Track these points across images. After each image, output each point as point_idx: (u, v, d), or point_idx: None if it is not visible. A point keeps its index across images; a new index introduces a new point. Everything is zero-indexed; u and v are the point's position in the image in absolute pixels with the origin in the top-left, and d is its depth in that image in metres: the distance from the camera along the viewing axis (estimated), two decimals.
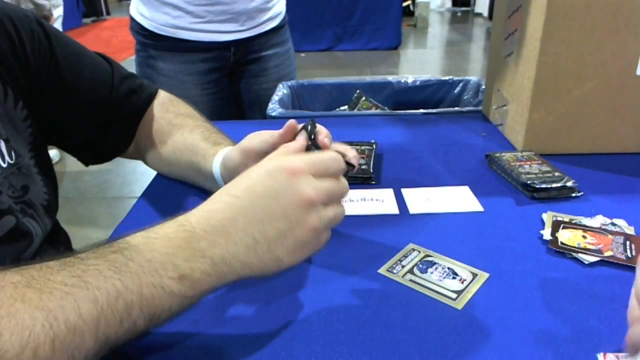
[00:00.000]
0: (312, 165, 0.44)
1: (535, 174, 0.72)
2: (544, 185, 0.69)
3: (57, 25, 3.20)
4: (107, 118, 0.70)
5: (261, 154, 0.55)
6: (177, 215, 0.43)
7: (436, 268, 0.55)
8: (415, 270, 0.55)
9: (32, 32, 0.61)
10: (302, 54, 5.24)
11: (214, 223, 0.42)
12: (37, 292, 0.35)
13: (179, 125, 0.73)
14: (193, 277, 0.40)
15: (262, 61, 1.31)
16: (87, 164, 0.74)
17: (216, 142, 0.69)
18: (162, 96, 0.77)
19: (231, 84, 1.34)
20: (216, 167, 0.65)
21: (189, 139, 0.71)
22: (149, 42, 1.24)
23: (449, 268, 0.55)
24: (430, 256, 0.57)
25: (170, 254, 0.40)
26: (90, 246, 0.41)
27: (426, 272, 0.55)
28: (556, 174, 0.72)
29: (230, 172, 0.61)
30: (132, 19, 1.27)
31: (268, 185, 0.43)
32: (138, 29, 1.25)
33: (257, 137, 0.60)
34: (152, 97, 0.75)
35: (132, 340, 0.40)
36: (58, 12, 3.19)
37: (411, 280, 0.53)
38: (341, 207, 0.47)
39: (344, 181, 0.47)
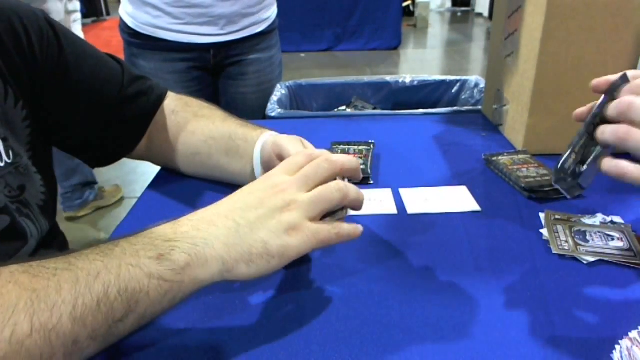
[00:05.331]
0: (283, 167, 0.49)
1: (534, 177, 0.72)
2: (543, 189, 0.69)
3: (77, 27, 3.21)
4: (115, 118, 0.69)
5: (281, 157, 0.59)
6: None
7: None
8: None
9: (40, 30, 0.60)
10: (302, 54, 5.24)
11: (197, 215, 0.45)
12: (29, 276, 0.37)
13: (207, 117, 0.74)
14: (172, 257, 0.40)
15: (242, 65, 1.31)
16: (93, 166, 0.74)
17: (256, 128, 0.70)
18: (175, 94, 0.78)
19: (213, 82, 1.34)
20: (257, 149, 0.66)
21: (223, 127, 0.71)
22: (132, 40, 1.25)
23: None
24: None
25: (153, 237, 0.42)
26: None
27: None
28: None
29: (265, 158, 0.63)
30: (120, 18, 1.28)
31: (247, 187, 0.48)
32: (124, 28, 1.26)
33: (287, 140, 0.60)
34: (161, 98, 0.75)
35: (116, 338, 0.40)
36: (76, 16, 3.20)
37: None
38: (324, 187, 0.47)
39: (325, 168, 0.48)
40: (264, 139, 0.66)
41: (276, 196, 0.45)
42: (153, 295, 0.40)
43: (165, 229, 0.43)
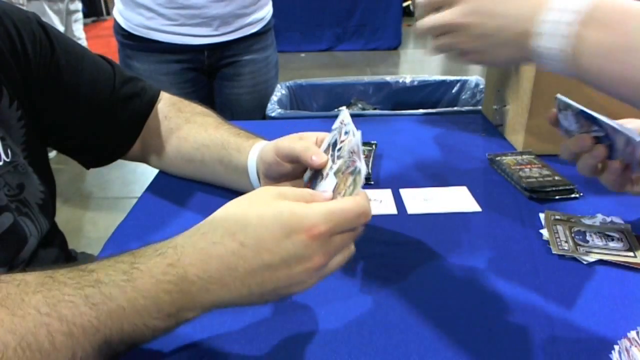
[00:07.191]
0: (335, 224, 0.39)
1: (536, 177, 0.72)
2: (544, 190, 0.69)
3: (78, 27, 3.22)
4: (108, 120, 0.69)
5: (289, 158, 0.56)
6: (165, 243, 0.41)
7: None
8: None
9: (33, 33, 0.61)
10: (302, 54, 5.23)
11: (210, 271, 0.39)
12: (9, 313, 0.36)
13: (199, 123, 0.73)
14: (178, 316, 0.40)
15: (236, 66, 1.30)
16: (87, 167, 0.74)
17: (249, 137, 0.69)
18: (169, 97, 0.77)
19: (208, 83, 1.33)
20: (252, 159, 0.65)
21: (215, 135, 0.70)
22: (126, 41, 1.25)
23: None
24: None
25: (155, 297, 0.38)
26: (68, 265, 0.41)
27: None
28: (556, 177, 0.72)
29: (267, 166, 0.61)
30: (114, 19, 1.28)
31: (283, 246, 0.38)
32: (118, 29, 1.26)
33: (288, 141, 0.58)
34: (154, 99, 0.75)
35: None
36: (78, 16, 3.20)
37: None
38: (346, 254, 0.43)
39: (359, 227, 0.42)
40: (257, 149, 0.65)
41: (306, 274, 0.40)
42: (158, 336, 0.41)
43: (166, 285, 0.38)
